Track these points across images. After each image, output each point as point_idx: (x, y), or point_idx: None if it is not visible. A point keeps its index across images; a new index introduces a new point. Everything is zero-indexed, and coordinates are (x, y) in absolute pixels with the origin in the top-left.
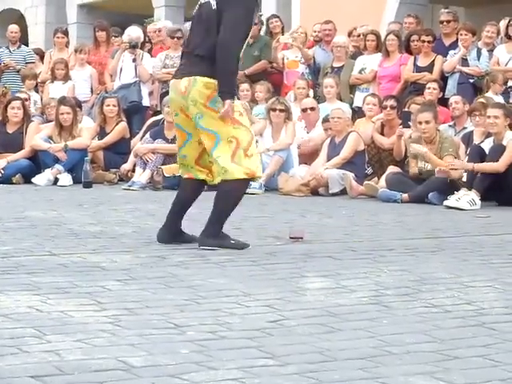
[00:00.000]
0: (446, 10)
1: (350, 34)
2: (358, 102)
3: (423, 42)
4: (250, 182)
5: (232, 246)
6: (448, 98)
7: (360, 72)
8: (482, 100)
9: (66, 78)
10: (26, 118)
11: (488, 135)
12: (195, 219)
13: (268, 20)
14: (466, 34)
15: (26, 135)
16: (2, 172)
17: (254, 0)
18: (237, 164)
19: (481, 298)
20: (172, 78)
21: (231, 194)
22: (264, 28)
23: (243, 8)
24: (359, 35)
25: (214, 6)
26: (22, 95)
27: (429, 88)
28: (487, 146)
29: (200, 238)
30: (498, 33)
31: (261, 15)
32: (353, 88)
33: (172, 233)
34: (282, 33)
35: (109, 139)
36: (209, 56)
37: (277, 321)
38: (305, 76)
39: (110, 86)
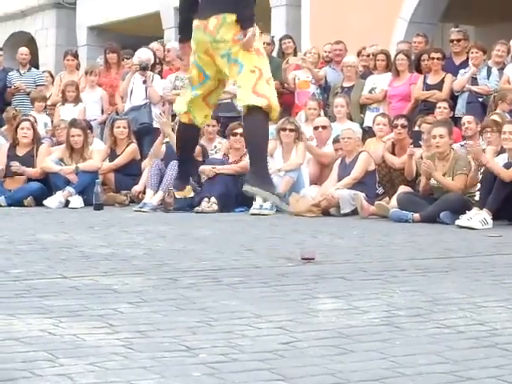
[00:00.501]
0: (456, 29)
1: (359, 54)
2: (368, 122)
3: (433, 59)
4: (261, 204)
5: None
6: (458, 117)
7: (370, 92)
8: (494, 117)
9: (77, 100)
10: (36, 140)
11: (500, 152)
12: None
13: (281, 40)
14: (476, 53)
15: (36, 158)
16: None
17: None
18: (257, 94)
19: (494, 319)
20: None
21: (258, 131)
22: (276, 48)
23: None
24: (369, 55)
25: None
26: (29, 118)
27: (439, 107)
28: (501, 162)
29: (252, 178)
30: (509, 51)
31: (273, 36)
32: (363, 108)
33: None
34: (295, 53)
35: (120, 161)
36: None
37: (289, 343)
38: (316, 96)
39: (120, 107)
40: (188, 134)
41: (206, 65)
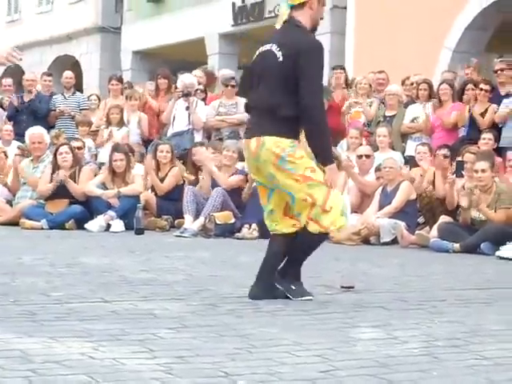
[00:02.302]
0: (500, 59)
1: (403, 83)
2: (409, 151)
3: (481, 89)
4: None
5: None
6: (502, 148)
7: (412, 121)
8: None
9: (121, 123)
10: (76, 163)
11: None
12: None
13: (333, 69)
14: None
15: (78, 181)
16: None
17: (323, 54)
18: (314, 221)
19: None
20: (244, 138)
21: (306, 244)
22: (326, 78)
23: (318, 65)
24: (412, 84)
25: (280, 59)
26: (78, 143)
27: (484, 138)
28: None
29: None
30: None
31: None
32: (405, 137)
33: (265, 289)
34: (346, 83)
35: (165, 186)
36: (287, 116)
37: (327, 371)
38: (365, 127)
39: (164, 132)
40: (280, 243)
41: (263, 179)
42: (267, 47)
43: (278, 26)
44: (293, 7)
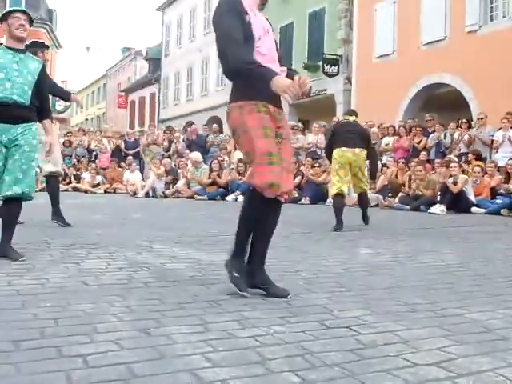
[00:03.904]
0: (428, 115)
1: (378, 127)
2: (384, 161)
3: (418, 130)
4: None
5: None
6: (430, 159)
7: (386, 145)
8: None
9: None
10: (220, 169)
11: None
12: None
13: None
14: None
15: (221, 176)
16: None
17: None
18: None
19: None
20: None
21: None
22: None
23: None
24: (384, 127)
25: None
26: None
27: (422, 155)
28: None
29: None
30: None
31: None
32: (382, 153)
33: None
34: None
35: None
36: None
37: (346, 269)
38: None
39: None
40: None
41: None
42: None
43: None
44: None
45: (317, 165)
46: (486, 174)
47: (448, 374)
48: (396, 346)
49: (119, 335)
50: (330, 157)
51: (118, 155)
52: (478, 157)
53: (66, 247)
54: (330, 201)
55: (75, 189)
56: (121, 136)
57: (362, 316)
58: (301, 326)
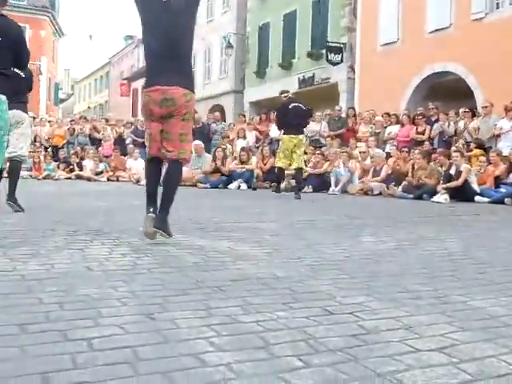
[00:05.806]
0: (431, 103)
1: (382, 116)
2: (387, 149)
3: (421, 118)
4: None
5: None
6: (434, 148)
7: (389, 134)
8: None
9: (243, 136)
10: (225, 156)
11: None
12: None
13: (348, 108)
14: None
15: (225, 164)
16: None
17: None
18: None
19: None
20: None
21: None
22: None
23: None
24: (388, 115)
25: None
26: (223, 146)
27: (425, 144)
28: None
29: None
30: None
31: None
32: (385, 142)
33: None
34: (354, 115)
35: (265, 166)
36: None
37: (348, 256)
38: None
39: (264, 141)
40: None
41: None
42: None
43: None
44: None
45: (318, 152)
46: (490, 163)
47: (451, 359)
48: (399, 331)
49: (124, 319)
50: None
51: (120, 143)
52: (481, 146)
53: (70, 234)
54: (332, 189)
55: (78, 176)
56: (126, 123)
57: (365, 302)
58: (304, 312)
